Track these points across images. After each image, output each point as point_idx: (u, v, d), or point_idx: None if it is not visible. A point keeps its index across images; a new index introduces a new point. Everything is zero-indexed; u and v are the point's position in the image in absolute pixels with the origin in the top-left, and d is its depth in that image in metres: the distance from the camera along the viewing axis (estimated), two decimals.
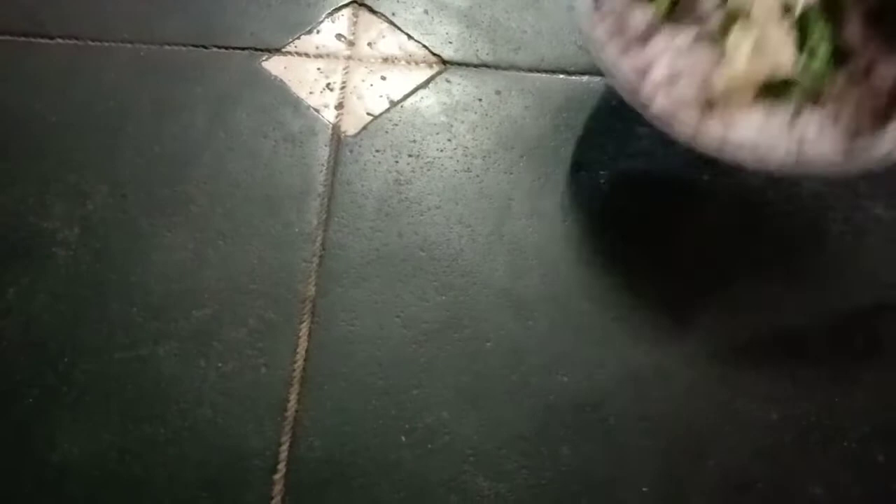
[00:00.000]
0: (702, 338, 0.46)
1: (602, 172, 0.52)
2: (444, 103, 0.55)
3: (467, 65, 0.56)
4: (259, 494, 0.42)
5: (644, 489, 0.42)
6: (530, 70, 0.56)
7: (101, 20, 0.58)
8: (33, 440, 0.44)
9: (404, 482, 0.42)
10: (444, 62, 0.57)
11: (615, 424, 0.43)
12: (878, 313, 0.48)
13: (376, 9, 0.59)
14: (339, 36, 0.58)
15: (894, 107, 0.47)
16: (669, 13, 0.48)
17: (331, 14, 0.59)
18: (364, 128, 0.54)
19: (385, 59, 0.57)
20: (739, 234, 0.50)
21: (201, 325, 0.46)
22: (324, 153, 0.53)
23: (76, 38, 0.57)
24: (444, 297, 0.47)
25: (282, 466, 0.42)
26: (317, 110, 0.55)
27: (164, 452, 0.43)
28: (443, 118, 0.54)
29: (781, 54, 0.46)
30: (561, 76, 0.56)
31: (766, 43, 0.46)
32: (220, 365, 0.45)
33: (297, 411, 0.44)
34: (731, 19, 0.48)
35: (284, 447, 0.43)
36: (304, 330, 0.46)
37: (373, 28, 0.58)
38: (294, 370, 0.44)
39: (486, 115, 0.54)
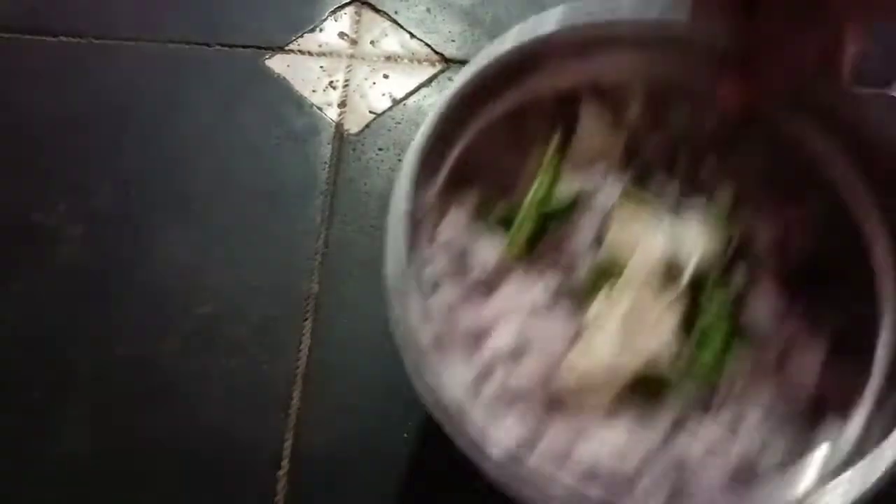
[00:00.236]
0: None
1: None
2: None
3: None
4: (263, 490, 0.42)
5: None
6: None
7: (105, 18, 0.58)
8: (37, 436, 0.44)
9: (407, 478, 0.42)
10: (447, 60, 0.57)
11: None
12: None
13: (379, 7, 0.59)
14: (341, 34, 0.58)
15: (820, 415, 0.33)
16: (526, 252, 0.37)
17: (334, 12, 0.59)
18: (367, 126, 0.54)
19: (388, 58, 0.57)
20: None
21: (204, 322, 0.46)
22: (327, 151, 0.53)
23: (80, 36, 0.58)
24: None
25: (285, 463, 0.42)
26: (320, 108, 0.55)
27: (167, 448, 0.43)
28: None
29: (659, 339, 0.33)
30: None
31: (638, 320, 0.33)
32: (223, 361, 0.45)
33: (299, 408, 0.44)
34: (599, 278, 0.35)
35: (288, 443, 0.43)
36: (307, 327, 0.46)
37: (375, 26, 0.59)
38: (297, 367, 0.45)
39: None
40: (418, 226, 0.35)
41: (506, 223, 0.38)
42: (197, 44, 0.57)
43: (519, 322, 0.35)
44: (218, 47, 0.57)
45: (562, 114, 0.39)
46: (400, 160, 0.52)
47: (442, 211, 0.37)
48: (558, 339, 0.34)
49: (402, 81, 0.56)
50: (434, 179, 0.36)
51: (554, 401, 0.34)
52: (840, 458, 0.32)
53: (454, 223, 0.37)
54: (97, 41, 0.57)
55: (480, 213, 0.38)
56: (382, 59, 0.57)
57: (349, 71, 0.57)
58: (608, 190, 0.38)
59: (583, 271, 0.36)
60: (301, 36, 0.58)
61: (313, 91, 0.56)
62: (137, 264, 0.49)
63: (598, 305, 0.34)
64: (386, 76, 0.56)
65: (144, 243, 0.49)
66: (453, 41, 0.58)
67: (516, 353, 0.34)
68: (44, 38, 0.57)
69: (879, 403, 0.32)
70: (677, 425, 0.33)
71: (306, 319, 0.46)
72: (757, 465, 0.33)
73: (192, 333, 0.46)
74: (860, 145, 0.35)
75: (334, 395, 0.44)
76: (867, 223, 0.35)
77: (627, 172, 0.39)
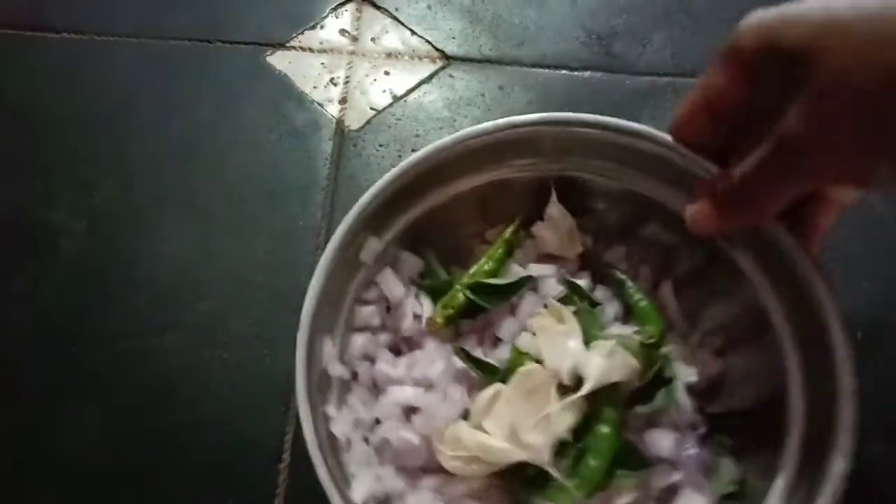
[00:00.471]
0: None
1: None
2: (448, 98, 0.55)
3: (470, 60, 0.57)
4: (264, 483, 0.42)
5: None
6: (533, 65, 0.57)
7: (107, 15, 0.58)
8: (40, 430, 0.44)
9: None
10: (448, 57, 0.57)
11: None
12: None
13: (380, 4, 0.59)
14: (342, 31, 0.59)
15: None
16: (447, 325, 0.39)
17: (334, 9, 0.59)
18: (368, 122, 0.54)
19: (388, 55, 0.57)
20: None
21: (206, 317, 0.47)
22: (328, 147, 0.53)
23: (81, 33, 0.58)
24: None
25: (286, 455, 0.43)
26: (321, 105, 0.55)
27: (169, 442, 0.44)
28: (446, 113, 0.55)
29: (548, 436, 0.34)
30: (563, 72, 0.57)
31: (531, 415, 0.35)
32: (225, 356, 0.46)
33: None
34: (510, 365, 0.37)
35: (289, 436, 0.43)
36: None
37: (376, 23, 0.59)
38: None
39: (489, 109, 0.55)
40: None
41: (436, 293, 0.40)
42: (198, 40, 0.57)
43: (419, 386, 0.37)
44: (219, 44, 0.57)
45: (532, 202, 0.41)
46: (400, 156, 0.53)
47: (390, 262, 0.40)
48: (450, 410, 0.36)
49: (402, 78, 0.56)
50: (386, 234, 0.39)
51: (431, 463, 0.36)
52: None
53: (396, 278, 0.40)
54: (99, 38, 0.58)
55: (422, 277, 0.41)
56: (383, 55, 0.58)
57: (350, 67, 0.57)
58: (551, 285, 0.40)
59: (503, 353, 0.38)
60: (302, 33, 0.58)
61: (314, 87, 0.56)
62: (139, 260, 0.49)
63: (493, 390, 0.35)
64: (387, 73, 0.57)
65: (146, 239, 0.50)
66: (454, 38, 0.58)
67: (409, 412, 0.37)
68: (46, 34, 0.58)
69: None
70: None
71: None
72: None
73: (193, 328, 0.47)
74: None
75: None
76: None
77: (578, 276, 0.41)
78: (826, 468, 0.31)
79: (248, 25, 0.58)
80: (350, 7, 0.59)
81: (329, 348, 0.37)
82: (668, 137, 0.36)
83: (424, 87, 0.56)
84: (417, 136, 0.54)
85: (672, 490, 0.36)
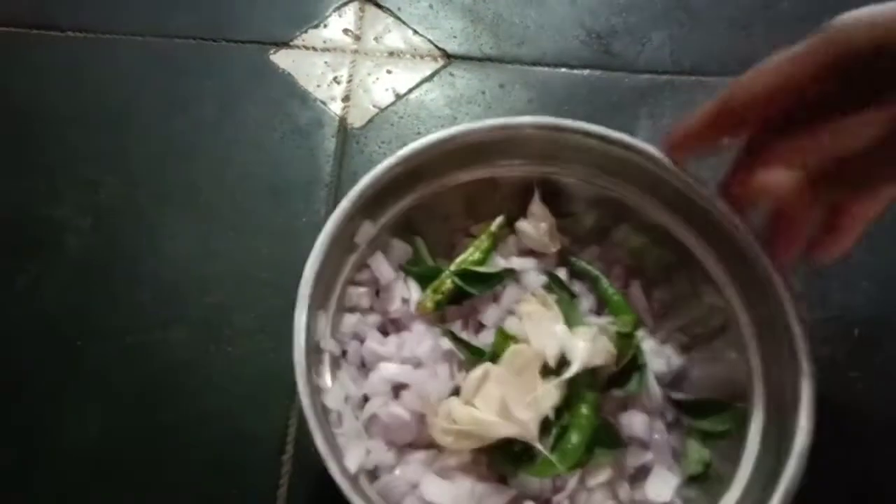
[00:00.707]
0: None
1: None
2: (449, 96, 0.56)
3: (471, 59, 0.57)
4: (268, 476, 0.43)
5: None
6: (533, 64, 0.57)
7: (111, 13, 0.59)
8: (44, 426, 0.44)
9: None
10: (449, 56, 0.58)
11: None
12: None
13: (382, 3, 0.60)
14: (345, 30, 0.59)
15: None
16: (435, 310, 0.41)
17: (338, 8, 0.60)
18: (370, 120, 0.55)
19: (391, 53, 0.58)
20: None
21: (211, 312, 0.47)
22: (331, 145, 0.54)
23: (86, 31, 0.58)
24: None
25: (289, 448, 0.43)
26: (324, 103, 0.55)
27: (173, 436, 0.44)
28: (447, 111, 0.55)
29: (534, 412, 0.36)
30: (563, 70, 0.57)
31: (520, 392, 0.36)
32: (229, 350, 0.46)
33: None
34: (496, 346, 0.39)
35: (292, 430, 0.44)
36: None
37: (379, 22, 0.59)
38: None
39: (490, 107, 0.55)
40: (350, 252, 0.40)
41: (424, 279, 0.42)
42: (202, 39, 0.58)
43: (408, 364, 0.39)
44: (223, 42, 0.58)
45: (516, 201, 0.43)
46: None
47: (381, 247, 0.42)
48: (439, 386, 0.38)
49: (404, 77, 0.57)
50: (379, 219, 0.41)
51: (420, 439, 0.38)
52: None
53: (386, 262, 0.42)
54: (104, 36, 0.58)
55: (410, 263, 0.43)
56: (385, 54, 0.58)
57: (353, 66, 0.57)
58: (533, 277, 0.42)
59: (486, 338, 0.40)
60: (305, 32, 0.59)
61: (317, 86, 0.56)
62: (144, 256, 0.49)
63: (483, 369, 0.37)
64: (389, 71, 0.57)
65: (151, 235, 0.50)
66: (455, 37, 0.58)
67: (397, 389, 0.39)
68: (51, 32, 0.58)
69: None
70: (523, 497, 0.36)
71: None
72: None
73: (198, 323, 0.47)
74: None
75: None
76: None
77: (556, 271, 0.43)
78: (790, 447, 0.33)
79: (251, 24, 0.59)
80: (353, 6, 0.60)
81: (323, 324, 0.38)
82: (648, 147, 0.39)
83: (426, 86, 0.56)
84: (419, 133, 0.54)
85: (644, 470, 0.38)
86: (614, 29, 0.59)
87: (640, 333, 0.41)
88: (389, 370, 0.39)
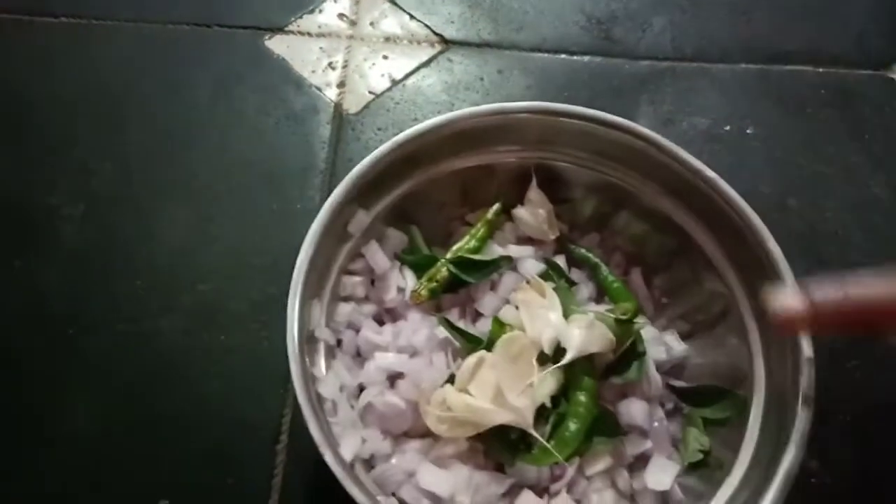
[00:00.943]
0: None
1: None
2: (446, 82, 0.55)
3: (469, 44, 0.57)
4: (262, 465, 0.42)
5: None
6: (532, 50, 0.57)
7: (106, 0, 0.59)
8: (39, 412, 0.44)
9: None
10: (446, 41, 0.57)
11: None
12: None
13: None
14: (341, 15, 0.58)
15: None
16: (429, 298, 0.40)
17: None
18: (366, 106, 0.54)
19: (387, 39, 0.57)
20: None
21: (204, 299, 0.47)
22: (326, 131, 0.53)
23: (80, 17, 0.58)
24: None
25: (284, 437, 0.43)
26: (319, 89, 0.55)
27: (168, 424, 0.44)
28: (444, 97, 0.55)
29: (529, 400, 0.35)
30: (562, 56, 0.56)
31: (515, 380, 0.36)
32: (223, 338, 0.46)
33: None
34: (492, 333, 0.38)
35: (287, 418, 0.43)
36: None
37: (375, 7, 0.59)
38: None
39: (488, 94, 0.55)
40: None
41: (419, 268, 0.41)
42: (197, 25, 0.57)
43: (404, 353, 0.39)
44: (217, 28, 0.57)
45: (513, 188, 0.43)
46: None
47: (377, 236, 0.41)
48: (435, 375, 0.37)
49: (401, 62, 0.56)
50: (373, 208, 0.40)
51: (416, 428, 0.37)
52: None
53: (381, 252, 0.41)
54: (97, 22, 0.58)
55: (406, 252, 0.42)
56: (382, 40, 0.57)
57: (348, 52, 0.57)
58: (530, 264, 0.41)
59: (483, 326, 0.39)
60: (300, 17, 0.58)
61: (312, 72, 0.56)
62: (138, 242, 0.49)
63: (477, 357, 0.37)
64: (385, 57, 0.57)
65: (145, 222, 0.50)
66: (452, 23, 0.58)
67: (393, 378, 0.38)
68: (45, 18, 0.58)
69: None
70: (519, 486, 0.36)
71: None
72: None
73: (192, 310, 0.47)
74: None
75: None
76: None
77: (556, 257, 0.43)
78: (789, 434, 0.33)
79: (246, 10, 0.58)
80: None
81: (317, 312, 0.38)
82: (649, 131, 0.39)
83: (423, 72, 0.56)
84: (416, 119, 0.54)
85: (644, 458, 0.37)
86: (615, 14, 0.58)
87: (640, 321, 0.40)
88: (385, 359, 0.38)
